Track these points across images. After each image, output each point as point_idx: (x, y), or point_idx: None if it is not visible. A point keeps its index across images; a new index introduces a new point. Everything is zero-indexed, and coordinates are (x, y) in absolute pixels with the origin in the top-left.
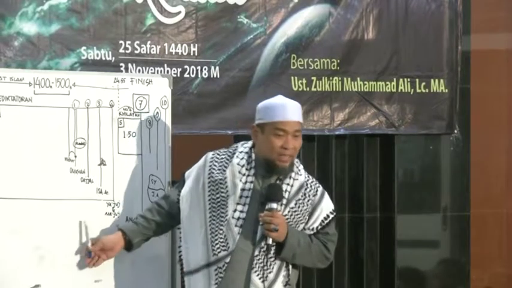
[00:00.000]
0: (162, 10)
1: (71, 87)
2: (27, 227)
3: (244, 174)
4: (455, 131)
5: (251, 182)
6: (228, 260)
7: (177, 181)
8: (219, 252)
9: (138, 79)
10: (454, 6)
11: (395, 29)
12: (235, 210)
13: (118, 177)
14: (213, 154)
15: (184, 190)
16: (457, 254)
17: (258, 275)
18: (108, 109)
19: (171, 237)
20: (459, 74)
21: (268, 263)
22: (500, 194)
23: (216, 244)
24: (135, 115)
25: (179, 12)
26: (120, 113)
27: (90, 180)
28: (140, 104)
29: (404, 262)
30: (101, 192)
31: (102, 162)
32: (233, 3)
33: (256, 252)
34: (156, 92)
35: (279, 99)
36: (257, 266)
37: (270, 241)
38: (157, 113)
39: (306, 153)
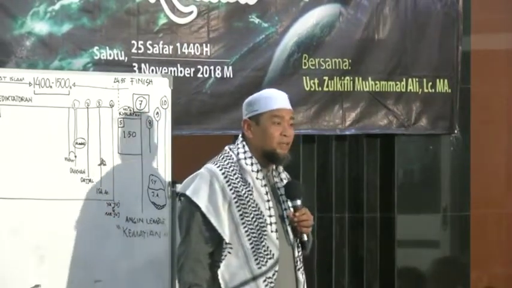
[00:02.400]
0: (174, 10)
1: (71, 87)
2: (27, 227)
3: (261, 179)
4: (456, 131)
5: (265, 185)
6: (277, 268)
7: (176, 181)
8: (267, 262)
9: (138, 79)
10: (455, 6)
11: (403, 28)
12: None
13: (118, 177)
14: (220, 169)
15: (216, 216)
16: (457, 254)
17: (301, 273)
18: (108, 109)
19: (171, 237)
20: (459, 74)
21: (301, 259)
22: (500, 194)
23: (260, 255)
24: (135, 115)
25: (191, 12)
26: (120, 113)
27: (90, 180)
28: (140, 104)
29: (404, 262)
30: (101, 192)
31: (102, 162)
32: (244, 3)
33: (296, 253)
34: (156, 92)
35: (268, 90)
36: (299, 264)
37: (305, 238)
38: (158, 113)
39: (306, 153)
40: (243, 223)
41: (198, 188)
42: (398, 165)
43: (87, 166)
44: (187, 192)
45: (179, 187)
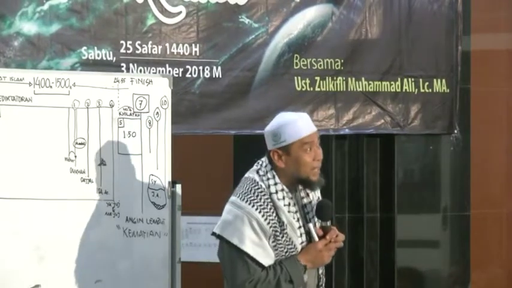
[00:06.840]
0: (162, 10)
1: (71, 87)
2: (27, 227)
3: (292, 212)
4: (455, 131)
5: (296, 212)
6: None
7: (176, 181)
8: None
9: (138, 79)
10: (455, 6)
11: (398, 28)
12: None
13: (118, 177)
14: (259, 212)
15: (266, 256)
16: (457, 254)
17: None
18: (108, 109)
19: (171, 237)
20: (459, 74)
21: (323, 278)
22: (500, 194)
23: None
24: (135, 115)
25: (180, 12)
26: (120, 113)
27: (90, 180)
28: (140, 104)
29: (404, 262)
30: (100, 192)
31: (102, 162)
32: (234, 3)
33: (321, 270)
34: (156, 92)
35: (290, 116)
36: (321, 281)
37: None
38: (157, 113)
39: None
40: (277, 256)
41: (241, 234)
42: (398, 165)
43: (87, 166)
44: (234, 241)
45: (215, 227)
